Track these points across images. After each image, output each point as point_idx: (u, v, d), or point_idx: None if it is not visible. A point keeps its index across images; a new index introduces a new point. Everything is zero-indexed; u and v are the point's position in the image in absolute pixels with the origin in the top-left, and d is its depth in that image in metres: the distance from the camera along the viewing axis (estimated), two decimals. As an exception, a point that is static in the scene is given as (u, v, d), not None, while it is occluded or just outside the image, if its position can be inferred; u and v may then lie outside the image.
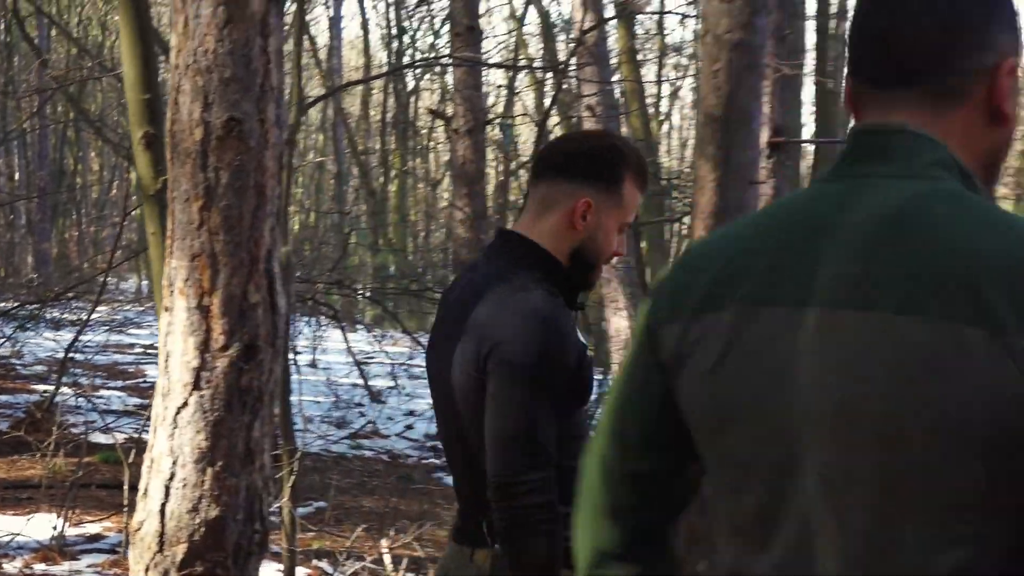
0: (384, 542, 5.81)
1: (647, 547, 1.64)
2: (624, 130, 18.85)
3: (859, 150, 1.51)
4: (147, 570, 3.22)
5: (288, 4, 8.08)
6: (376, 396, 12.94)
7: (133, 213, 9.69)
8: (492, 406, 2.50)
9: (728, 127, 3.87)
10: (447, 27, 16.69)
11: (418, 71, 24.57)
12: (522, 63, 20.38)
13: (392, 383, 13.79)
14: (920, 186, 1.41)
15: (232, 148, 3.10)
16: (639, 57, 19.24)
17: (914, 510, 1.33)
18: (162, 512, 3.19)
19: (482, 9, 22.12)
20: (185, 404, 3.17)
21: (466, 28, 11.04)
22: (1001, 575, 1.34)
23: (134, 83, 4.85)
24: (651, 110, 24.02)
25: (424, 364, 2.96)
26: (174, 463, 3.19)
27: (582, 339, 2.76)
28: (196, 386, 3.16)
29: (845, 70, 1.59)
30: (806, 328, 1.38)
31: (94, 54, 18.30)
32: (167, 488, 3.19)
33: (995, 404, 1.27)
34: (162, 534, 3.19)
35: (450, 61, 10.96)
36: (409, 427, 11.74)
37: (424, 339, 17.11)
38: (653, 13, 17.18)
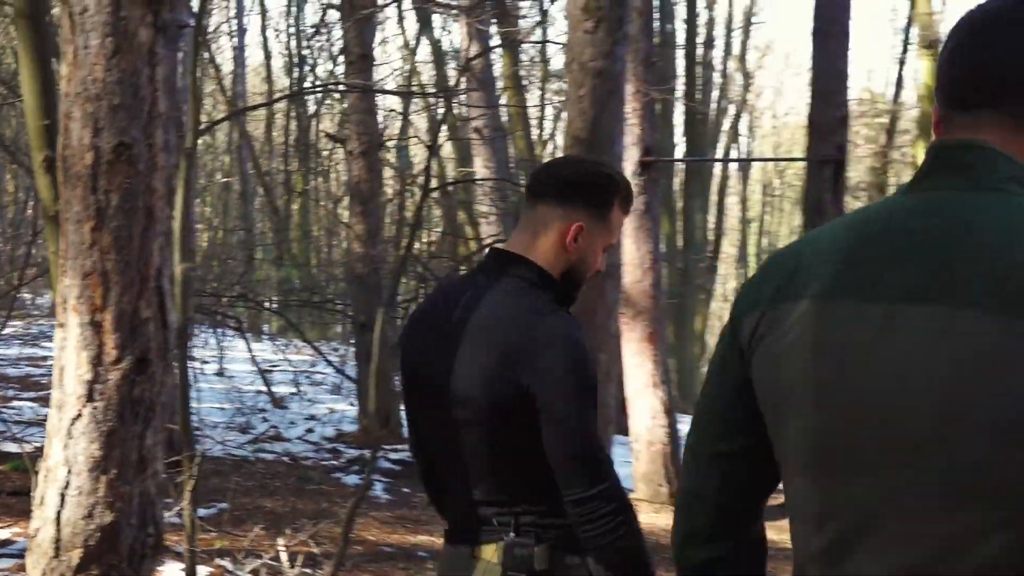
0: (281, 540, 5.74)
1: (732, 528, 1.66)
2: (510, 151, 18.94)
3: (938, 164, 1.53)
4: (44, 575, 3.14)
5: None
6: (279, 402, 12.81)
7: (32, 234, 9.46)
8: (558, 428, 2.49)
9: (593, 148, 3.89)
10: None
11: (319, 96, 24.44)
12: (415, 89, 20.32)
13: (295, 390, 13.67)
14: (993, 198, 1.43)
15: (121, 172, 3.04)
16: (523, 83, 19.27)
17: (968, 497, 1.33)
18: (57, 519, 3.11)
19: (378, 39, 22.06)
20: (79, 415, 3.10)
21: (359, 56, 11.02)
22: None
23: (33, 109, 4.76)
24: (535, 132, 24.12)
25: (402, 370, 2.87)
26: (69, 472, 3.11)
27: None
28: (89, 398, 3.09)
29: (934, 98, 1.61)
30: (872, 322, 1.40)
31: (7, 80, 17.91)
32: (62, 496, 3.12)
33: None
34: (58, 540, 3.11)
35: (341, 87, 10.76)
36: (310, 431, 11.62)
37: (324, 348, 17.05)
38: (534, 42, 17.14)
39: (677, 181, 24.03)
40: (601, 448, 2.59)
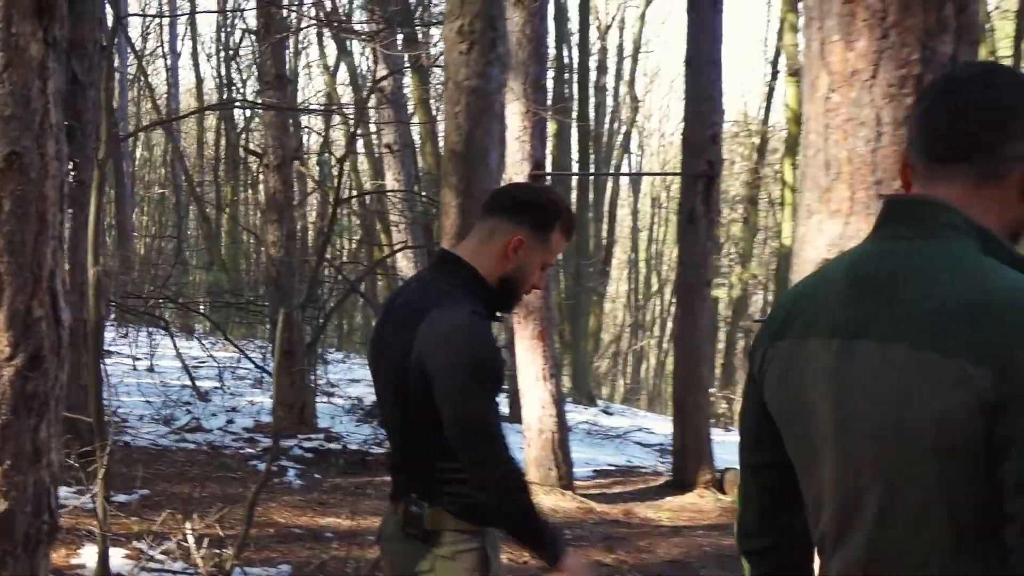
0: (188, 524, 5.62)
1: (773, 524, 1.83)
2: (420, 163, 18.90)
3: (889, 216, 1.64)
4: (-60, 562, 3.01)
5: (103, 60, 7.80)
6: (203, 396, 12.61)
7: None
8: (449, 406, 2.62)
9: (468, 161, 3.87)
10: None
11: (247, 114, 24.28)
12: (334, 108, 20.22)
13: (218, 384, 13.48)
14: (932, 244, 1.55)
15: (13, 179, 2.92)
16: (432, 102, 19.20)
17: (904, 495, 1.51)
18: (-46, 508, 2.98)
19: (303, 61, 21.86)
20: (-27, 409, 2.97)
21: (275, 77, 10.88)
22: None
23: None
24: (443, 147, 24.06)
25: (368, 358, 3.06)
26: (-36, 463, 2.98)
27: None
28: (-17, 393, 2.96)
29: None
30: (830, 354, 1.57)
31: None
32: (-41, 487, 2.99)
33: (947, 416, 1.44)
34: (-46, 528, 2.98)
35: (258, 105, 10.63)
36: (230, 422, 11.45)
37: (250, 345, 16.86)
38: (438, 66, 17.10)
39: (574, 195, 24.14)
40: (491, 424, 2.67)
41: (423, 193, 15.10)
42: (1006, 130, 1.57)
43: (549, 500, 9.35)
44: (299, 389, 10.98)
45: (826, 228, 2.20)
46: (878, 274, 1.59)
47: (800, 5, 19.78)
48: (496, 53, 3.80)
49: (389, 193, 13.34)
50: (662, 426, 16.81)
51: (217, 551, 5.53)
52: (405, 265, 14.27)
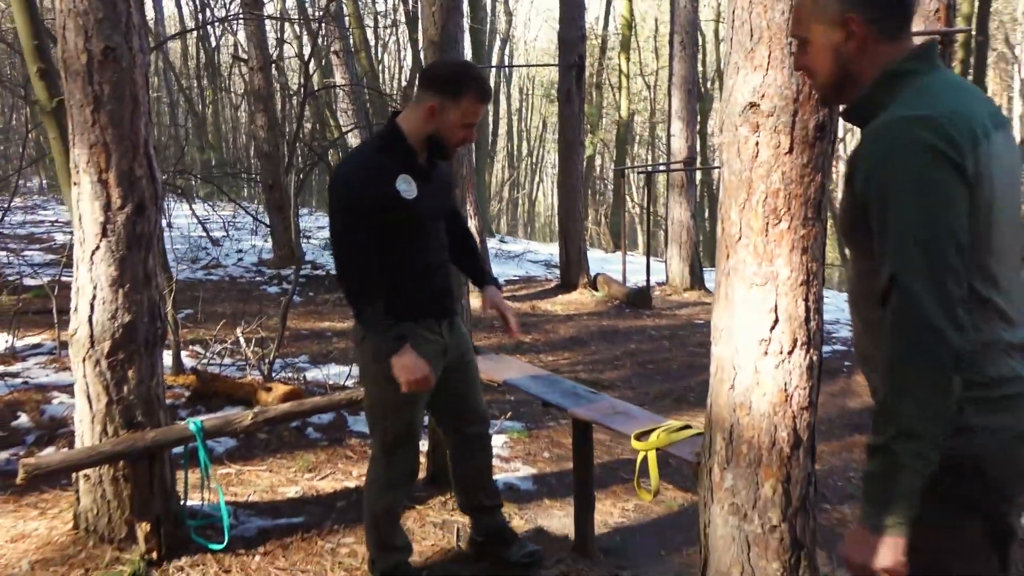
0: (238, 330, 5.49)
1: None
2: (358, 67, 18.13)
3: (935, 54, 1.57)
4: (83, 361, 2.88)
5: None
6: (216, 242, 12.19)
7: (28, 133, 8.57)
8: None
9: (442, 47, 3.69)
10: None
11: (220, 29, 22.90)
12: (299, 19, 19.15)
13: (224, 232, 13.05)
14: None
15: (109, 68, 2.69)
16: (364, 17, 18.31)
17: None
18: (90, 321, 2.84)
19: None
20: (98, 248, 2.81)
21: (252, -1, 10.19)
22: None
23: (25, 33, 4.17)
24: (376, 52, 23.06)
25: None
26: (95, 288, 2.83)
27: (406, 188, 2.67)
28: (104, 235, 2.80)
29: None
30: (1003, 142, 1.54)
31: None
32: (91, 305, 2.84)
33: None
34: (91, 336, 2.85)
35: (241, 18, 9.97)
36: (240, 260, 11.12)
37: (238, 206, 16.36)
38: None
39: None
40: (340, 240, 2.63)
41: (366, 87, 14.50)
42: None
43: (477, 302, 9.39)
44: (290, 233, 10.70)
45: (750, 79, 2.14)
46: (969, 86, 1.53)
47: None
48: (460, -37, 3.56)
49: (344, 86, 12.70)
50: (545, 248, 16.94)
51: (259, 349, 5.45)
52: (354, 141, 13.82)
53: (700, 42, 21.92)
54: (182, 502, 3.22)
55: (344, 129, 13.94)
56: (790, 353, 2.27)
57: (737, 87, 2.16)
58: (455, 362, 2.93)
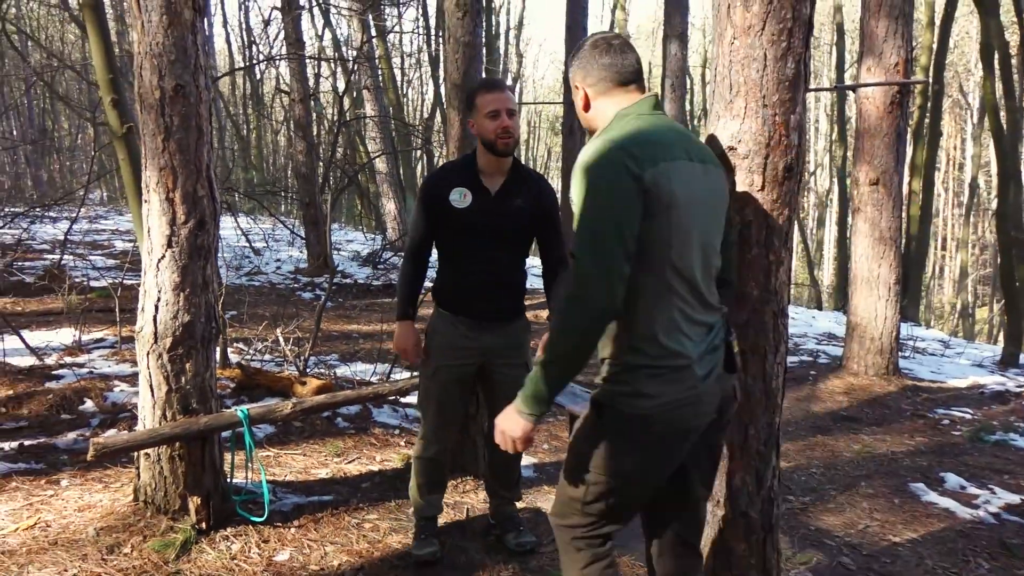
0: (278, 330, 5.57)
1: None
2: (386, 100, 18.28)
3: (655, 104, 1.89)
4: (147, 354, 2.96)
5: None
6: (257, 252, 12.28)
7: (95, 153, 8.66)
8: None
9: (464, 90, 3.75)
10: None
11: (264, 67, 23.12)
12: (339, 58, 19.28)
13: (264, 244, 13.13)
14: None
15: (180, 103, 2.78)
16: (392, 57, 18.44)
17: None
18: (154, 320, 2.93)
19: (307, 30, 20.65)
20: (163, 256, 2.89)
21: (295, 39, 10.29)
22: None
23: (101, 68, 4.27)
24: (401, 88, 23.21)
25: None
26: (159, 291, 2.91)
27: (458, 198, 2.82)
28: (169, 245, 2.88)
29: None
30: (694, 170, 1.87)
31: (59, 55, 16.36)
32: (156, 306, 2.92)
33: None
34: (155, 333, 2.93)
35: (286, 57, 10.08)
36: (278, 268, 11.20)
37: (278, 220, 16.45)
38: (398, 32, 16.37)
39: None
40: (409, 234, 2.92)
41: (393, 118, 14.61)
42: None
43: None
44: (323, 245, 10.80)
45: (729, 126, 2.21)
46: (674, 130, 1.82)
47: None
48: (480, 18, 3.65)
49: (374, 117, 12.81)
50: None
51: (296, 348, 5.53)
52: (381, 166, 13.92)
53: (688, 84, 22.05)
54: (228, 480, 3.30)
55: (372, 155, 14.06)
56: (758, 362, 2.34)
57: (717, 132, 2.24)
58: (491, 365, 2.96)
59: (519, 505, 3.66)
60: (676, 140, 1.76)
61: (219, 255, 9.89)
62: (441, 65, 19.56)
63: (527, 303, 3.01)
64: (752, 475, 2.42)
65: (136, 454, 3.12)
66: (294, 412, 3.25)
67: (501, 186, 2.83)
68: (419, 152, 19.22)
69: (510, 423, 1.83)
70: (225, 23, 28.40)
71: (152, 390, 2.98)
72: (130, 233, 13.72)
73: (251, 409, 3.17)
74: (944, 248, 33.35)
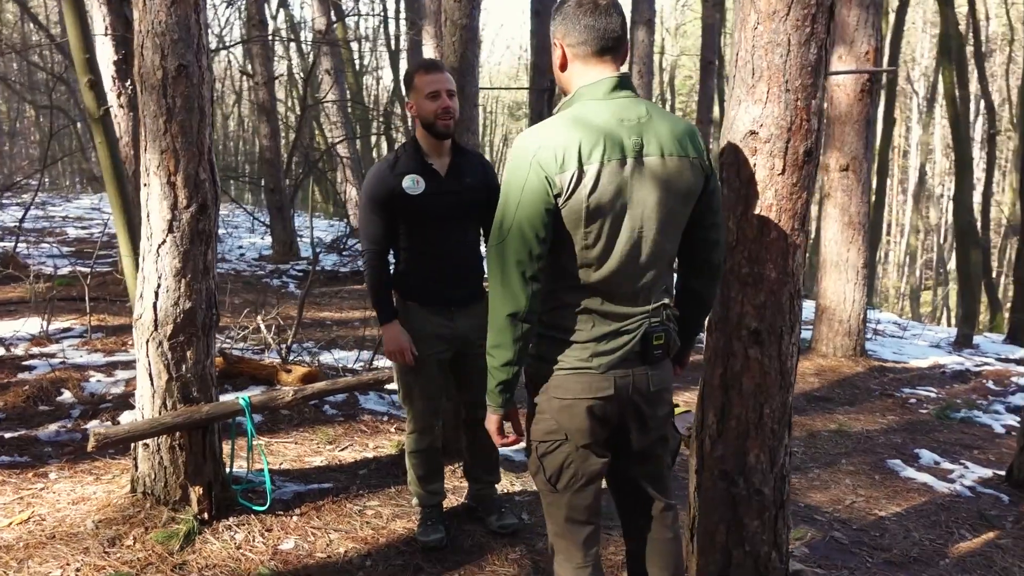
0: (259, 317, 5.47)
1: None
2: (347, 85, 18.04)
3: (619, 83, 1.81)
4: (147, 342, 2.89)
5: None
6: (218, 239, 12.01)
7: (50, 137, 8.35)
8: None
9: (462, 73, 3.74)
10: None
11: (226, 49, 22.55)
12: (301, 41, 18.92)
13: (225, 230, 12.86)
14: (642, 99, 1.83)
15: (182, 84, 2.70)
16: (352, 41, 18.17)
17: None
18: (155, 307, 2.86)
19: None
20: (164, 242, 2.82)
21: (258, 21, 10.06)
22: None
23: (78, 48, 4.12)
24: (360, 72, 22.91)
25: None
26: (159, 277, 2.84)
27: (411, 185, 2.77)
28: (171, 230, 2.81)
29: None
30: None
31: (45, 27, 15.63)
32: (156, 293, 2.85)
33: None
34: (155, 320, 2.86)
35: (244, 41, 9.85)
36: (242, 255, 10.98)
37: (239, 206, 16.12)
38: (359, 15, 16.09)
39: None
40: (363, 234, 2.82)
41: (356, 103, 14.41)
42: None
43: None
44: (289, 231, 10.62)
45: (751, 110, 2.24)
46: (630, 117, 1.77)
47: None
48: (477, 1, 3.63)
49: (337, 101, 12.62)
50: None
51: (276, 336, 5.44)
52: (343, 152, 13.72)
53: (655, 70, 22.18)
54: (228, 469, 3.25)
55: (336, 140, 13.86)
56: (775, 342, 2.40)
57: (739, 117, 2.27)
58: (465, 350, 2.96)
59: (514, 488, 3.68)
60: (616, 134, 1.73)
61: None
62: (404, 51, 19.34)
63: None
64: (767, 453, 2.48)
65: (133, 445, 3.05)
66: (295, 399, 3.21)
67: (448, 167, 2.83)
68: (379, 136, 19.02)
69: (487, 420, 1.97)
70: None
71: (152, 379, 2.92)
72: (81, 220, 13.28)
73: (254, 397, 3.12)
74: (888, 234, 34.29)
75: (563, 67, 1.84)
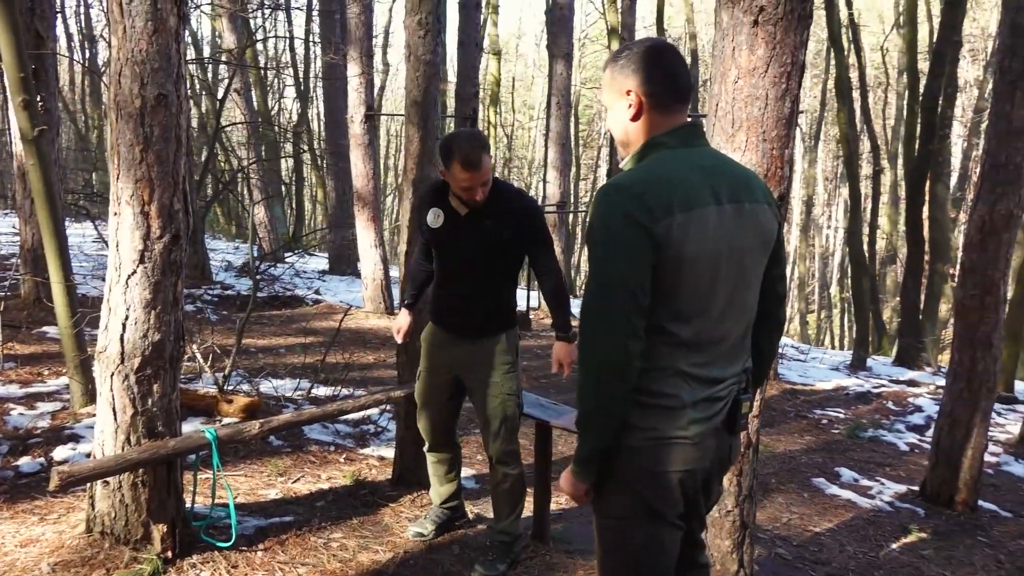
0: (194, 346, 5.27)
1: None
2: (255, 105, 17.68)
3: (691, 132, 1.71)
4: (112, 376, 2.79)
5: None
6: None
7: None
8: None
9: (424, 108, 3.80)
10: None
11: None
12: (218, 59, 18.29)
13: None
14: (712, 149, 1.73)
15: (161, 113, 2.65)
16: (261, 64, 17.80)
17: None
18: (121, 339, 2.76)
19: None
20: (134, 272, 2.73)
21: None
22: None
23: (12, 66, 3.92)
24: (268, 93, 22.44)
25: None
26: (127, 309, 2.75)
27: (432, 219, 2.97)
28: (142, 261, 2.73)
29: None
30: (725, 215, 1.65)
31: None
32: (123, 324, 2.76)
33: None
34: (122, 352, 2.76)
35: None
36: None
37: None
38: (282, 38, 15.85)
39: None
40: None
41: (262, 123, 14.12)
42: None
43: (378, 321, 9.36)
44: (202, 255, 10.26)
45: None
46: (714, 164, 1.67)
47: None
48: (440, 39, 3.71)
49: (247, 123, 12.34)
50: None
51: (215, 364, 5.25)
52: (251, 174, 13.42)
53: (572, 103, 22.75)
54: (188, 505, 3.15)
55: (248, 161, 13.52)
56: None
57: (720, 163, 2.44)
58: (465, 379, 3.10)
59: (482, 509, 3.72)
60: (702, 182, 1.61)
61: (78, 264, 9.04)
62: (314, 71, 19.09)
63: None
64: (738, 476, 2.64)
65: (90, 483, 2.91)
66: (262, 431, 3.15)
67: (473, 209, 2.87)
68: (288, 158, 18.66)
69: (565, 482, 1.77)
70: (62, 13, 26.10)
71: (115, 413, 2.81)
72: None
73: (220, 430, 3.05)
74: (779, 261, 36.11)
75: (636, 117, 1.70)
